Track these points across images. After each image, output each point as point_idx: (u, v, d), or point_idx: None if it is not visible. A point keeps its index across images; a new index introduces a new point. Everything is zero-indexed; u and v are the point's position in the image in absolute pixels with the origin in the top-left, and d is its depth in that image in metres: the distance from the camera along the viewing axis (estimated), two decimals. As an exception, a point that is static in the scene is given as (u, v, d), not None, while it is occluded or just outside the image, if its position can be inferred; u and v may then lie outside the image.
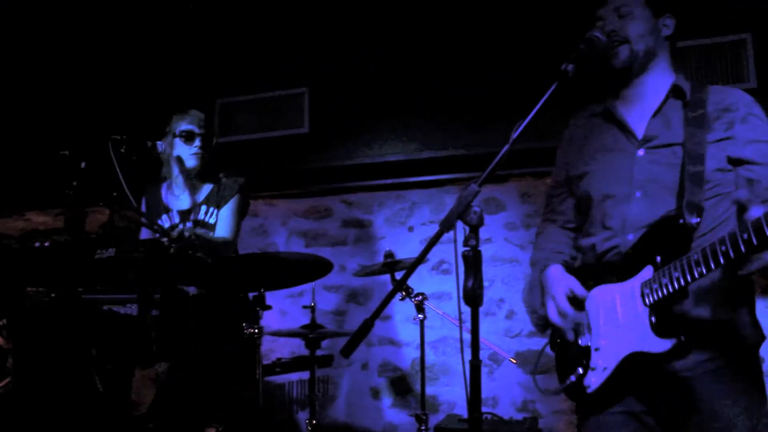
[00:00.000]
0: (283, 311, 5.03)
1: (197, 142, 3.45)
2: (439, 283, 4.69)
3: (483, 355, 4.21)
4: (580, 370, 2.10)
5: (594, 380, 2.05)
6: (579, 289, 2.12)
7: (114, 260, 2.70)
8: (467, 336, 1.81)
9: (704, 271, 1.76)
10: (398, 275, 3.58)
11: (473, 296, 1.80)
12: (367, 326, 1.86)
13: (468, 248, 1.80)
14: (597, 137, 2.23)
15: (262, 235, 5.28)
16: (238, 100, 4.96)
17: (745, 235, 1.63)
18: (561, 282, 2.16)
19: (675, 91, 2.13)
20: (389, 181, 4.81)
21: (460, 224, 1.80)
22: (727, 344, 1.98)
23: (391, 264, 3.56)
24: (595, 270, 2.13)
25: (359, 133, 4.68)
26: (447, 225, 1.83)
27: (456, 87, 4.43)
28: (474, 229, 1.82)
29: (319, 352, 3.55)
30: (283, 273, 2.96)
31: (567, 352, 2.17)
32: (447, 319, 3.83)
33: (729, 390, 1.96)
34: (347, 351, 1.87)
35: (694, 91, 2.11)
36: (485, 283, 4.70)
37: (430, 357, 4.59)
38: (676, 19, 2.16)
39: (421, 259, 1.95)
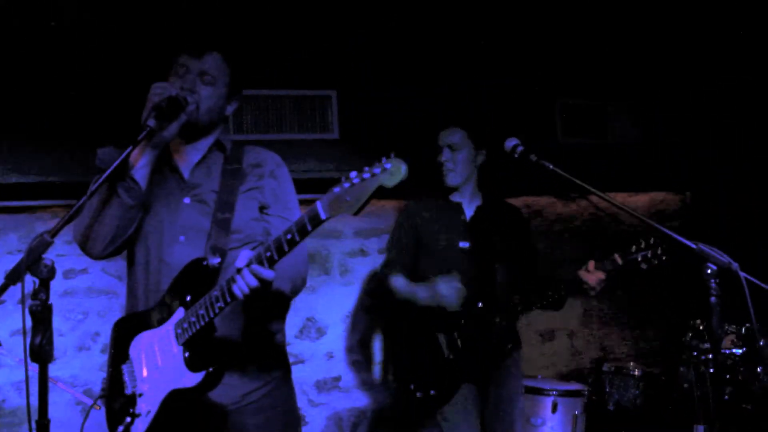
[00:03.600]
0: None
1: None
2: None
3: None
4: (128, 419, 2.13)
5: (140, 426, 2.10)
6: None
7: None
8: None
9: (223, 305, 1.96)
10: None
11: (40, 353, 1.76)
12: None
13: (37, 302, 1.76)
14: (157, 185, 2.26)
15: None
16: None
17: (230, 284, 1.92)
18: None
19: (218, 145, 2.32)
20: (-32, 205, 4.30)
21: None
22: (266, 373, 2.24)
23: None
24: (141, 316, 2.20)
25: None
26: (14, 277, 1.77)
27: (59, 110, 4.17)
28: (44, 283, 1.77)
29: None
30: None
31: (115, 404, 2.19)
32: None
33: (267, 418, 2.22)
34: None
35: (233, 148, 2.34)
36: (80, 316, 4.53)
37: (15, 400, 4.20)
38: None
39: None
